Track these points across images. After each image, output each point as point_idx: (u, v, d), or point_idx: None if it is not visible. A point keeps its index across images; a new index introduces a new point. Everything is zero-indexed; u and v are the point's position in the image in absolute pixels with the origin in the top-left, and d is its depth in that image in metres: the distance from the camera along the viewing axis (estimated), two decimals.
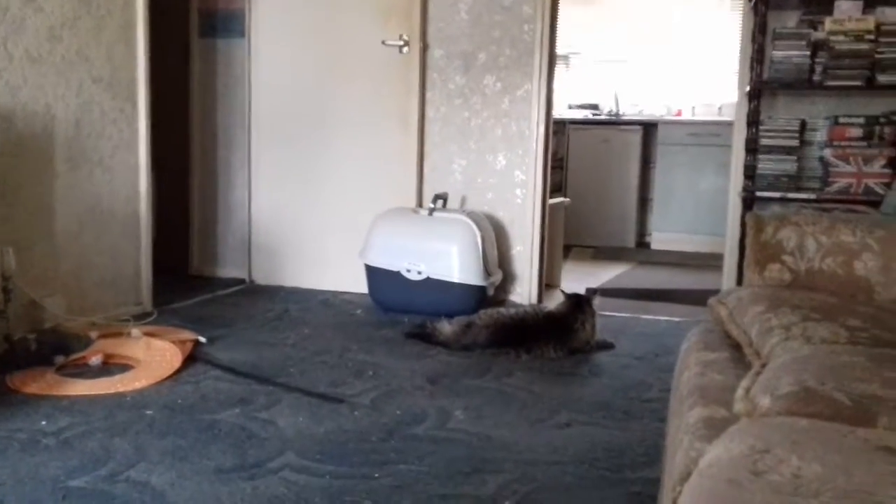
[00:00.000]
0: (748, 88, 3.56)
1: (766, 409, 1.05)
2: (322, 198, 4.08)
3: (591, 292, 3.28)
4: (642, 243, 6.19)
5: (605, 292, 4.27)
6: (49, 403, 2.36)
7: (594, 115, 6.45)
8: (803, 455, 0.82)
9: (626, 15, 6.41)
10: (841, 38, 3.37)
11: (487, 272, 3.62)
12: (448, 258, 3.58)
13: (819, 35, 3.43)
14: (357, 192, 4.02)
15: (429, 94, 3.95)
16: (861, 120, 3.48)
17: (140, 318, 3.37)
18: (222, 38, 4.25)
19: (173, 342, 2.89)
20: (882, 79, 3.37)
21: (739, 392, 1.17)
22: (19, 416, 2.25)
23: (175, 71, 4.23)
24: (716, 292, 3.74)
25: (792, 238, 1.84)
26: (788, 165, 3.57)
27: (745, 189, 3.57)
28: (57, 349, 2.77)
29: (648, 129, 6.14)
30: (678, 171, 5.94)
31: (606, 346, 3.14)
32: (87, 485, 1.86)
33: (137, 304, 3.51)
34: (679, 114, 6.27)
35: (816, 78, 3.46)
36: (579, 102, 6.55)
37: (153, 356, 2.77)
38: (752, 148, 3.55)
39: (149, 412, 2.33)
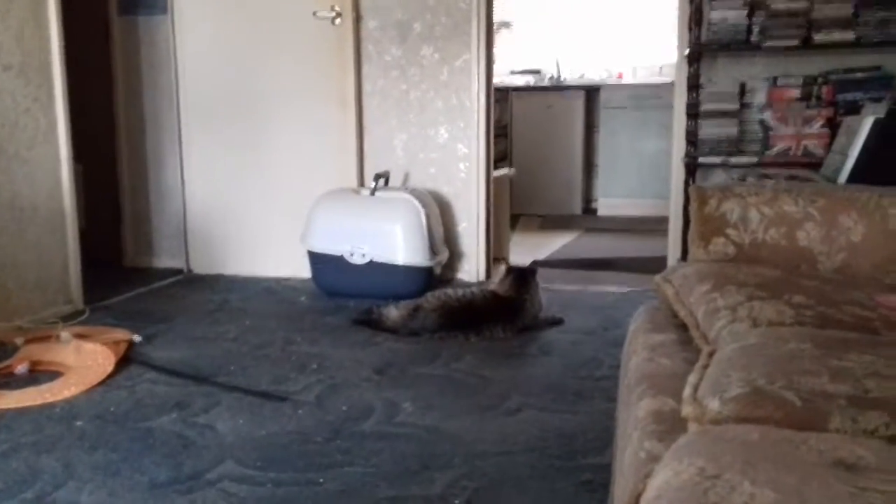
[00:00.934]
0: (687, 51, 3.52)
1: (716, 414, 1.02)
2: (259, 180, 3.93)
3: (534, 266, 3.23)
4: (589, 209, 6.18)
5: (553, 264, 4.25)
6: None
7: (536, 81, 6.37)
8: (756, 479, 0.78)
9: None
10: None
11: (433, 251, 3.54)
12: (392, 239, 3.49)
13: None
14: (296, 172, 3.87)
15: (365, 68, 3.81)
16: (799, 80, 3.47)
17: (71, 317, 3.21)
18: (143, 14, 4.03)
19: (105, 344, 2.75)
20: (818, 38, 3.35)
21: (687, 392, 1.12)
22: None
23: (94, 52, 4.01)
24: (662, 259, 3.79)
25: (735, 210, 1.80)
26: (730, 129, 3.55)
27: (687, 155, 3.54)
28: None
29: (591, 93, 6.09)
30: (622, 135, 5.92)
31: (555, 321, 3.10)
32: None
33: (67, 302, 3.34)
34: (620, 76, 6.23)
35: (754, 39, 3.43)
36: (521, 69, 6.45)
37: (84, 361, 2.63)
38: (694, 113, 3.52)
39: (79, 423, 2.21)
